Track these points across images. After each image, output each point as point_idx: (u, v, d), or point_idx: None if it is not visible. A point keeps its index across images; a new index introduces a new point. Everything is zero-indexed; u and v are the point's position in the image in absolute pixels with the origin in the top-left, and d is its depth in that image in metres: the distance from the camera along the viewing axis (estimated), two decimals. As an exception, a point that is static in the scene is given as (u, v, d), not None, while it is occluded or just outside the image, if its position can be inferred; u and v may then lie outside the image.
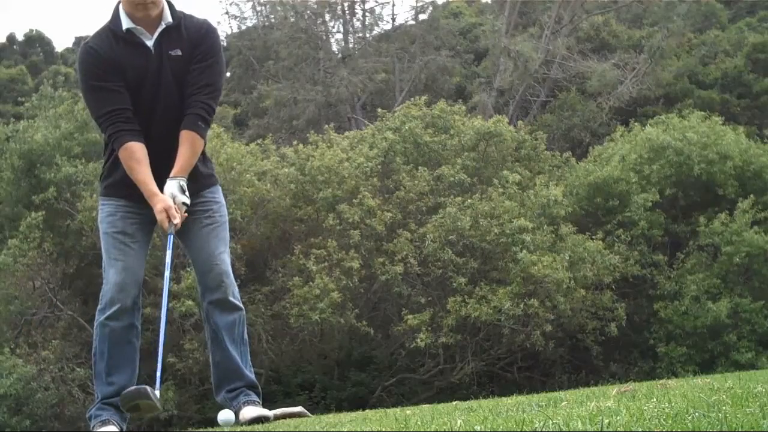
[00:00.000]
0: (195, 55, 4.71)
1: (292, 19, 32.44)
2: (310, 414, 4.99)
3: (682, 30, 30.55)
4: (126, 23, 4.67)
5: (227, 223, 4.97)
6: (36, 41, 48.35)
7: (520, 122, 24.85)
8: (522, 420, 2.82)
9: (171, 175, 4.64)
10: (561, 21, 30.74)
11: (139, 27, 4.67)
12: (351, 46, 33.92)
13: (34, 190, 19.47)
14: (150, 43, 4.69)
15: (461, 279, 17.53)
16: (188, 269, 13.88)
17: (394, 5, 40.09)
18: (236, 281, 5.04)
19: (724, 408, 2.67)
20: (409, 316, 17.28)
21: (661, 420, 2.52)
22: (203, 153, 4.87)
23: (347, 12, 33.43)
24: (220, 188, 5.03)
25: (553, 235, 18.38)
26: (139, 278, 4.76)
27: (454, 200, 18.29)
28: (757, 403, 2.76)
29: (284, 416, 4.83)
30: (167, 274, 4.72)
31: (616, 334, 18.16)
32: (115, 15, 4.72)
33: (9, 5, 78.78)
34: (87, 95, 4.80)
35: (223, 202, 5.03)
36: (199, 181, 4.81)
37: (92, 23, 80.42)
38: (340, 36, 34.10)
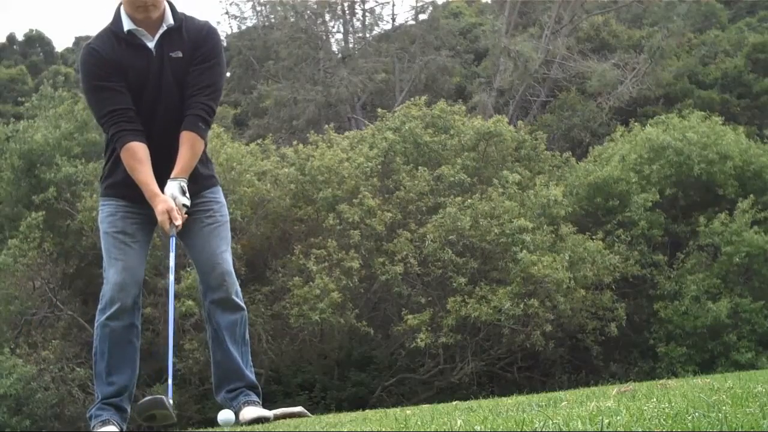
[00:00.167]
0: (196, 57, 4.72)
1: (292, 19, 32.44)
2: (310, 414, 4.99)
3: (682, 30, 30.53)
4: (127, 25, 4.68)
5: (228, 223, 4.98)
6: (36, 41, 48.34)
7: (520, 122, 24.85)
8: (522, 420, 2.82)
9: (172, 176, 4.64)
10: (561, 21, 30.74)
11: (140, 29, 4.68)
12: (351, 46, 33.92)
13: (34, 190, 19.47)
14: (151, 44, 4.70)
15: (461, 279, 17.53)
16: (188, 269, 13.88)
17: (394, 5, 40.11)
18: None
19: (724, 408, 2.68)
20: (409, 316, 17.28)
21: (661, 420, 2.52)
22: (204, 154, 4.87)
23: (347, 12, 33.44)
24: (220, 189, 5.04)
25: (553, 235, 18.38)
26: (140, 278, 4.76)
27: (454, 200, 18.29)
28: (757, 403, 2.76)
29: (284, 416, 4.83)
30: (171, 278, 4.71)
31: (616, 334, 18.15)
32: (117, 16, 4.73)
33: (9, 5, 78.81)
34: (89, 96, 4.81)
35: (224, 202, 5.03)
36: (199, 182, 4.81)
37: (92, 23, 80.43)
38: (340, 36, 34.14)
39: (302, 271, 17.66)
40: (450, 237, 17.80)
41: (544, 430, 2.56)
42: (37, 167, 19.65)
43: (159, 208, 4.58)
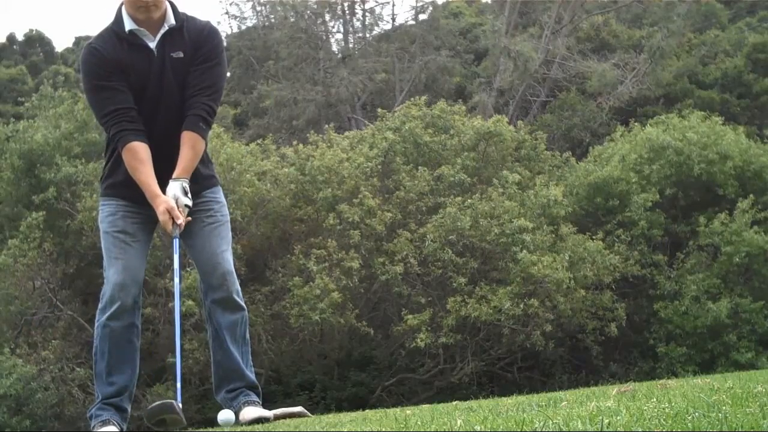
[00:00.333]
0: (197, 57, 4.72)
1: (292, 19, 32.43)
2: (310, 414, 5.00)
3: (682, 30, 30.52)
4: (129, 25, 4.68)
5: (229, 223, 4.98)
6: (36, 41, 48.31)
7: (520, 122, 24.84)
8: (522, 420, 2.82)
9: (173, 176, 4.65)
10: (561, 21, 30.73)
11: (141, 29, 4.68)
12: (351, 46, 33.91)
13: (34, 190, 19.47)
14: (152, 44, 4.70)
15: (461, 279, 17.53)
16: (189, 269, 13.86)
17: (394, 5, 40.08)
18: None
19: (724, 408, 2.68)
20: (409, 316, 17.28)
21: (661, 420, 2.52)
22: (204, 154, 4.87)
23: (347, 12, 33.43)
24: (220, 189, 5.04)
25: (553, 235, 18.38)
26: (140, 277, 4.76)
27: (454, 200, 18.29)
28: (757, 403, 2.76)
29: (284, 416, 4.83)
30: (177, 280, 4.71)
31: (616, 334, 18.15)
32: (118, 16, 4.73)
33: (9, 5, 78.77)
34: (90, 95, 4.80)
35: (224, 202, 5.03)
36: (199, 182, 4.82)
37: (92, 23, 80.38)
38: (340, 36, 34.13)
39: (302, 271, 17.66)
40: (450, 237, 17.80)
41: (544, 430, 2.56)
42: (37, 167, 19.64)
43: (161, 209, 4.58)
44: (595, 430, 2.46)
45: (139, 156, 4.61)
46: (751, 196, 19.27)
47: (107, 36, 4.71)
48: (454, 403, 5.26)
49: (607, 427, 2.46)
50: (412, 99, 22.27)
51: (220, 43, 4.89)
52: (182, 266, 15.98)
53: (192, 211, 4.72)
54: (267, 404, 4.97)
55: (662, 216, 19.82)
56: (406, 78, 31.36)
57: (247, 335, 4.96)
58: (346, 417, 4.66)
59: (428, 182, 18.98)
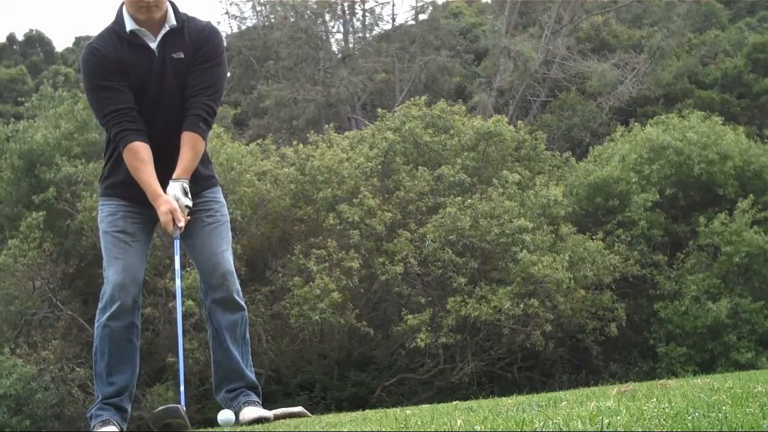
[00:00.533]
0: (197, 58, 4.72)
1: (292, 19, 32.43)
2: (310, 414, 5.00)
3: (682, 30, 30.53)
4: (130, 25, 4.68)
5: (228, 223, 4.98)
6: (36, 41, 48.31)
7: (520, 122, 24.84)
8: (522, 420, 2.82)
9: (174, 176, 4.64)
10: (561, 21, 30.73)
11: (142, 29, 4.68)
12: (351, 46, 33.91)
13: (34, 190, 19.46)
14: (153, 45, 4.69)
15: (461, 279, 17.53)
16: (189, 269, 13.86)
17: (394, 5, 40.09)
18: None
19: (724, 408, 2.68)
20: (409, 316, 17.28)
21: (661, 420, 2.52)
22: (204, 154, 4.87)
23: (347, 12, 33.43)
24: (220, 189, 5.04)
25: (553, 235, 18.38)
26: (140, 277, 4.76)
27: (454, 200, 18.29)
28: (757, 403, 2.76)
29: (284, 416, 4.83)
30: (178, 282, 4.70)
31: (616, 334, 18.16)
32: (119, 16, 4.72)
33: (9, 5, 78.80)
34: (91, 95, 4.80)
35: (224, 202, 5.04)
36: (199, 182, 4.82)
37: (92, 23, 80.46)
38: (340, 36, 34.13)
39: (302, 271, 17.66)
40: (450, 237, 17.80)
41: (544, 430, 2.56)
42: (37, 167, 19.63)
43: (162, 209, 4.58)
44: (595, 430, 2.46)
45: (141, 156, 4.61)
46: (751, 196, 19.27)
47: (108, 36, 4.71)
48: (454, 403, 5.26)
49: (607, 427, 2.46)
50: (412, 99, 22.27)
51: (220, 43, 4.89)
52: (183, 266, 15.98)
53: (192, 211, 4.72)
54: (267, 404, 4.97)
55: (662, 216, 19.82)
56: (406, 78, 31.36)
57: (247, 335, 4.96)
58: (346, 417, 4.66)
59: (428, 182, 18.98)
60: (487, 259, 18.37)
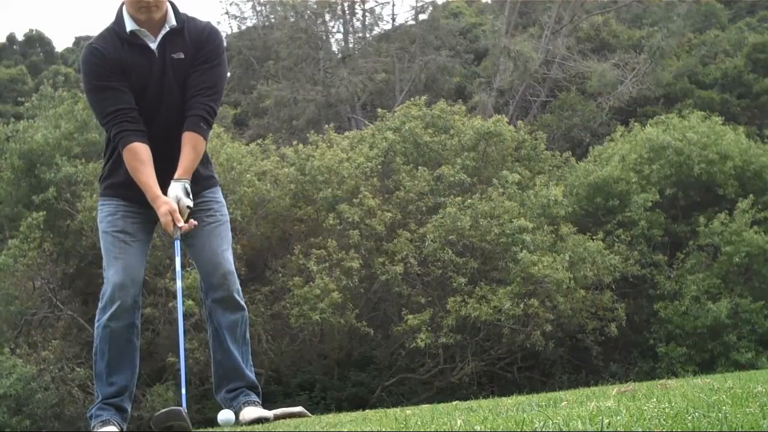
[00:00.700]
0: (197, 58, 4.72)
1: (292, 19, 32.43)
2: (310, 414, 5.00)
3: (682, 30, 30.53)
4: (130, 25, 4.67)
5: (228, 223, 4.98)
6: (36, 41, 48.31)
7: (520, 122, 24.85)
8: (522, 420, 2.82)
9: (175, 177, 4.64)
10: (561, 21, 30.73)
11: (142, 29, 4.68)
12: (351, 46, 33.91)
13: (34, 190, 19.46)
14: (153, 45, 4.69)
15: (461, 279, 17.54)
16: (189, 269, 13.86)
17: (394, 5, 40.11)
18: (236, 281, 5.04)
19: (724, 408, 2.68)
20: (409, 316, 17.29)
21: (661, 420, 2.52)
22: (204, 154, 4.87)
23: (347, 12, 33.42)
24: (220, 189, 5.04)
25: (553, 235, 18.39)
26: (140, 277, 4.76)
27: (454, 200, 18.30)
28: (757, 403, 2.76)
29: (284, 416, 4.83)
30: (179, 283, 4.70)
31: (616, 334, 18.16)
32: (119, 17, 4.72)
33: (9, 5, 78.79)
34: (91, 95, 4.79)
35: (224, 202, 5.04)
36: (199, 182, 4.81)
37: (92, 23, 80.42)
38: (340, 36, 34.12)
39: (302, 271, 17.66)
40: (450, 237, 17.81)
41: (544, 430, 2.56)
42: (37, 167, 19.63)
43: (161, 210, 4.57)
44: (595, 430, 2.46)
45: (140, 156, 4.61)
46: (751, 196, 19.28)
47: (108, 36, 4.70)
48: (454, 403, 5.26)
49: (607, 427, 2.46)
50: (412, 99, 22.27)
51: (220, 43, 4.89)
52: (183, 266, 15.97)
53: (192, 212, 4.72)
54: (267, 404, 4.97)
55: (662, 216, 19.83)
56: (406, 78, 31.36)
57: (248, 335, 4.96)
58: (346, 417, 4.66)
59: (428, 182, 18.99)
60: (487, 259, 18.37)
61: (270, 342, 18.25)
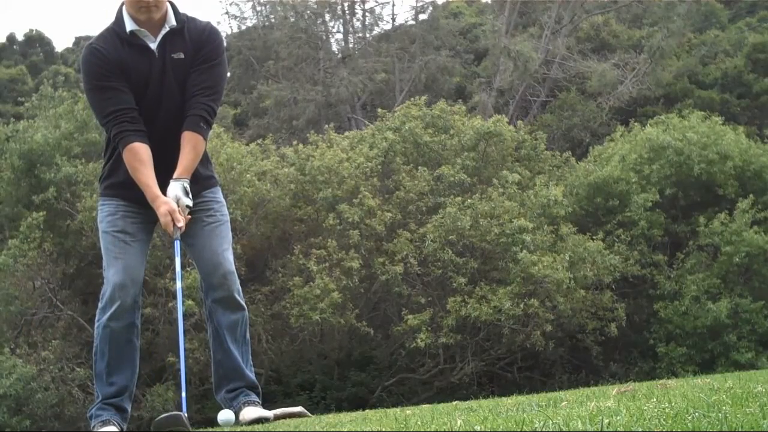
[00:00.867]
0: (197, 58, 4.72)
1: (292, 19, 32.43)
2: (310, 414, 5.00)
3: (682, 30, 30.52)
4: (130, 25, 4.67)
5: (229, 223, 4.98)
6: (36, 41, 48.31)
7: (520, 122, 24.85)
8: (522, 420, 2.82)
9: (174, 176, 4.64)
10: (561, 21, 30.74)
11: (142, 29, 4.68)
12: (351, 46, 33.91)
13: (34, 190, 19.45)
14: (153, 45, 4.69)
15: (461, 279, 17.54)
16: (189, 269, 13.86)
17: (394, 5, 40.04)
18: (236, 281, 5.03)
19: (724, 408, 2.68)
20: (409, 316, 17.29)
21: (661, 420, 2.52)
22: (204, 154, 4.87)
23: (347, 12, 33.42)
24: (220, 189, 5.04)
25: (553, 235, 18.39)
26: (140, 277, 4.76)
27: (454, 200, 18.30)
28: (757, 403, 2.76)
29: (284, 416, 4.83)
30: (179, 284, 4.70)
31: (616, 334, 18.16)
32: (119, 17, 4.72)
33: (9, 5, 78.80)
34: (91, 95, 4.79)
35: (224, 202, 5.04)
36: (199, 182, 4.81)
37: (92, 23, 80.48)
38: (340, 36, 34.12)
39: (302, 271, 17.67)
40: (450, 237, 17.81)
41: (544, 430, 2.56)
42: (37, 167, 19.62)
43: (161, 210, 4.57)
44: (595, 430, 2.46)
45: (140, 157, 4.61)
46: (751, 196, 19.28)
47: (108, 36, 4.70)
48: (454, 403, 5.26)
49: (607, 427, 2.46)
50: (412, 99, 22.27)
51: (220, 43, 4.89)
52: (183, 266, 15.95)
53: (192, 211, 4.72)
54: (267, 404, 4.97)
55: (662, 216, 19.83)
56: (406, 78, 31.36)
57: (248, 335, 4.96)
58: (346, 417, 4.66)
59: (428, 182, 18.99)
60: (487, 259, 18.37)
61: (270, 342, 18.25)
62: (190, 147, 4.67)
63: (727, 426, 2.34)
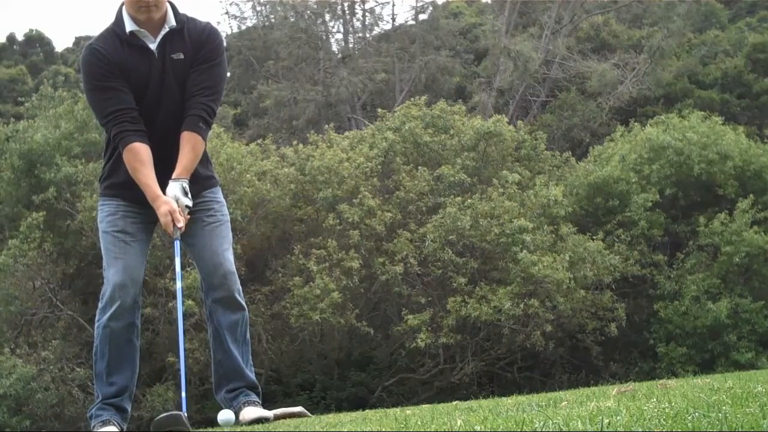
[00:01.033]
0: (197, 59, 4.72)
1: (292, 19, 32.43)
2: (310, 414, 5.00)
3: (682, 30, 30.52)
4: (129, 26, 4.67)
5: (229, 223, 4.98)
6: (36, 41, 48.30)
7: (520, 122, 24.85)
8: (522, 420, 2.82)
9: (173, 176, 4.63)
10: (561, 21, 30.74)
11: (142, 30, 4.68)
12: (351, 46, 33.91)
13: (34, 190, 19.45)
14: (153, 46, 4.69)
15: (461, 279, 17.54)
16: (189, 269, 13.86)
17: (394, 5, 40.01)
18: (236, 281, 5.03)
19: (724, 408, 2.68)
20: (409, 316, 17.29)
21: (661, 420, 2.52)
22: (204, 154, 4.86)
23: (347, 12, 33.42)
24: (220, 189, 5.04)
25: (553, 235, 18.39)
26: (140, 277, 4.76)
27: (454, 200, 18.30)
28: (757, 403, 2.76)
29: (284, 416, 4.83)
30: (179, 284, 4.69)
31: (616, 334, 18.16)
32: (119, 17, 4.72)
33: (9, 5, 78.81)
34: (91, 96, 4.79)
35: (224, 202, 5.03)
36: (199, 182, 4.81)
37: (92, 23, 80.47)
38: (340, 36, 34.12)
39: (302, 271, 17.67)
40: (450, 237, 17.81)
41: (544, 430, 2.56)
42: (37, 167, 19.62)
43: (161, 210, 4.57)
44: (595, 430, 2.46)
45: (140, 157, 4.61)
46: (751, 196, 19.28)
47: (108, 36, 4.70)
48: (454, 403, 5.26)
49: (607, 427, 2.46)
50: (412, 99, 22.28)
51: (220, 44, 4.89)
52: (183, 266, 15.95)
53: (192, 211, 4.71)
54: (267, 404, 4.97)
55: (662, 216, 19.83)
56: (406, 78, 31.36)
57: (248, 335, 4.96)
58: (346, 417, 4.66)
59: (428, 182, 18.99)
60: (487, 259, 18.37)
61: (270, 342, 18.25)
62: (189, 147, 4.68)
63: (727, 426, 2.34)
